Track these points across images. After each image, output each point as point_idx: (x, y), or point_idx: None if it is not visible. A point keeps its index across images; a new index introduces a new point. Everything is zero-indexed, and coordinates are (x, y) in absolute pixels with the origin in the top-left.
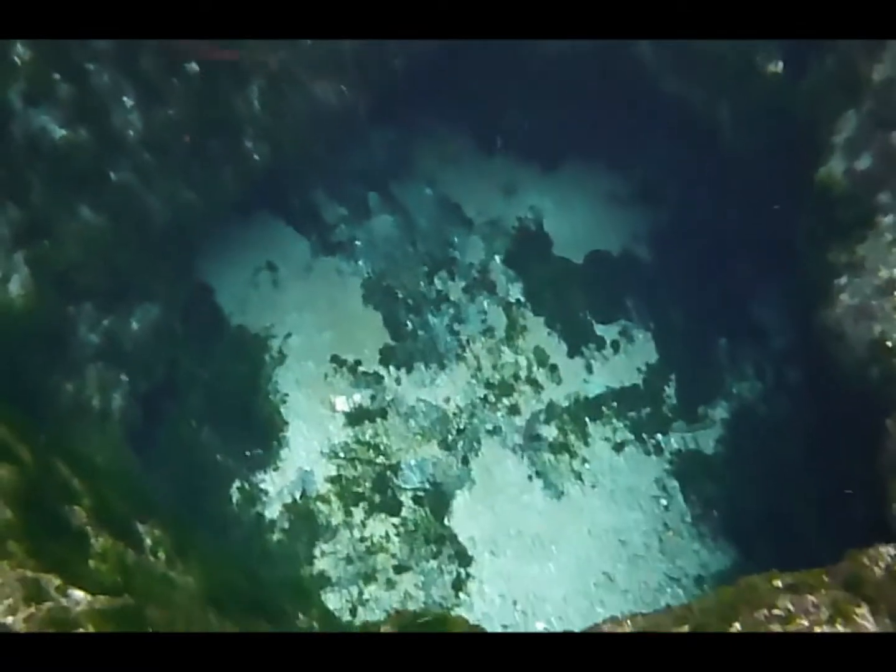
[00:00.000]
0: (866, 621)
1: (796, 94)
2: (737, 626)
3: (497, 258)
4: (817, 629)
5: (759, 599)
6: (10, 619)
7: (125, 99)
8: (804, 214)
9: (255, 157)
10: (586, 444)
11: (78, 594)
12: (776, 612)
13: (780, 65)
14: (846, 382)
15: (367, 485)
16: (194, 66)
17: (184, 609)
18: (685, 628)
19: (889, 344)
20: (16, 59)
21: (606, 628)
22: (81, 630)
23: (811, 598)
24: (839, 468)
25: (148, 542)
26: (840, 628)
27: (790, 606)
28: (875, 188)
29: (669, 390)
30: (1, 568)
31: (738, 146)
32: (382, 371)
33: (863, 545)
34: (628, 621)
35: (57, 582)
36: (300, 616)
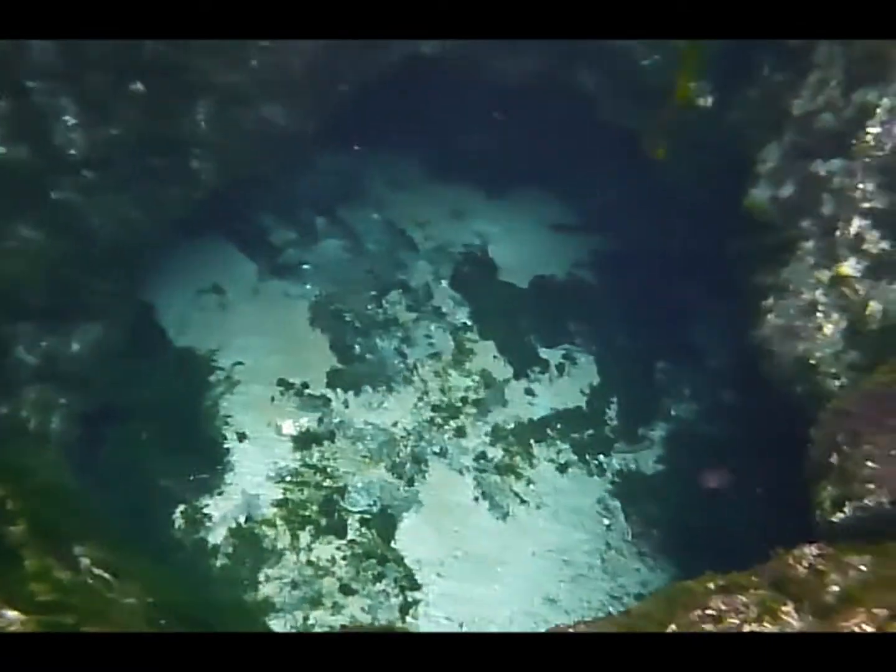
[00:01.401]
0: (791, 618)
1: (724, 126)
2: (672, 627)
3: (444, 282)
4: (746, 627)
5: (693, 601)
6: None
7: (67, 118)
8: (734, 239)
9: (202, 176)
10: (531, 465)
11: (11, 614)
12: (709, 612)
13: (710, 99)
14: (775, 398)
15: (314, 508)
16: (139, 86)
17: (124, 627)
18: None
19: (812, 362)
20: None
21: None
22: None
23: (741, 597)
24: (770, 480)
25: (86, 562)
26: (768, 626)
27: (722, 606)
28: (797, 215)
29: (611, 412)
30: None
31: (674, 175)
32: (330, 394)
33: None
34: (570, 629)
35: None
36: None
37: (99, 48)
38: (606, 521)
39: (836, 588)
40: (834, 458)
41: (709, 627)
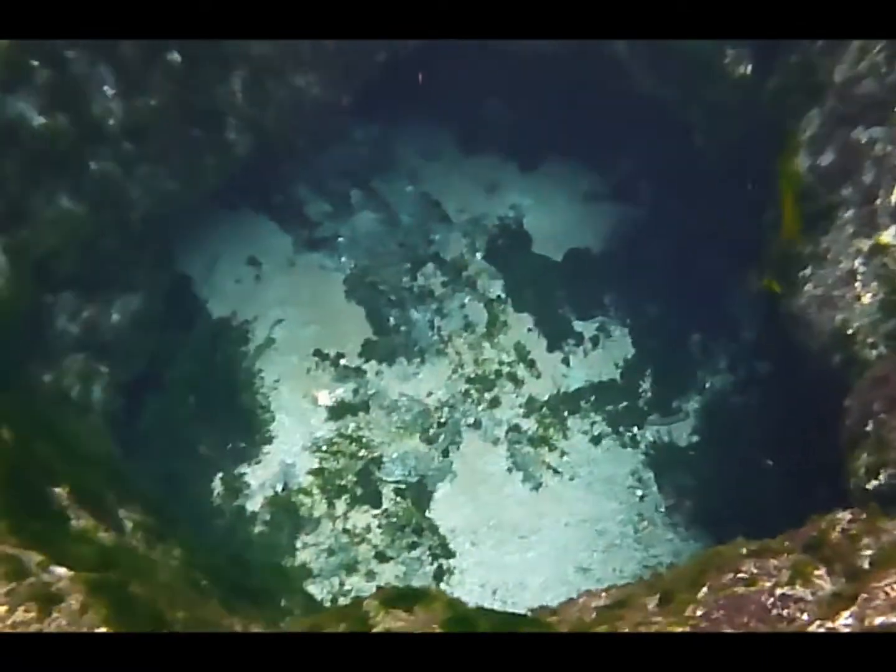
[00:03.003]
0: (823, 581)
1: (762, 94)
2: (704, 589)
3: (478, 255)
4: (778, 590)
5: (725, 564)
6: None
7: (105, 87)
8: (771, 208)
9: (238, 148)
10: (565, 436)
11: (60, 570)
12: (741, 574)
13: (749, 67)
14: (811, 368)
15: (350, 477)
16: (176, 56)
17: (167, 585)
18: (656, 596)
19: (850, 331)
20: None
21: (582, 601)
22: (64, 605)
23: (773, 561)
24: (806, 450)
25: (129, 525)
26: (799, 588)
27: (754, 570)
28: (838, 183)
29: (645, 384)
30: None
31: (710, 143)
32: (365, 365)
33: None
34: (603, 593)
35: (38, 558)
36: (283, 602)
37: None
38: (640, 492)
39: (869, 552)
40: (870, 427)
41: (740, 590)
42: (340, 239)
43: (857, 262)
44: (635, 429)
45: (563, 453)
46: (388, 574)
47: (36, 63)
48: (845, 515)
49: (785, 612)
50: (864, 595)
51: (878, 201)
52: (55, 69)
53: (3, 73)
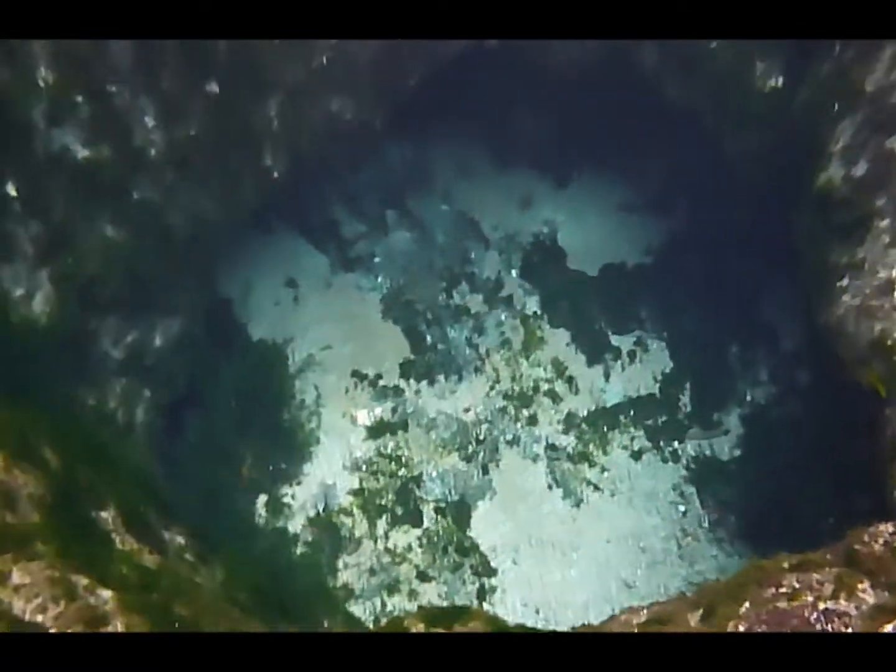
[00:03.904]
0: (867, 595)
1: (794, 103)
2: (746, 605)
3: (513, 272)
4: (821, 605)
5: (767, 578)
6: (40, 618)
7: (147, 118)
8: (804, 218)
9: (275, 172)
10: (605, 452)
11: (106, 593)
12: (783, 589)
13: (780, 80)
14: (851, 378)
15: (390, 497)
16: (214, 87)
17: (210, 607)
18: (699, 611)
19: (890, 342)
20: (39, 81)
21: (623, 618)
22: (110, 627)
23: (816, 575)
24: (847, 461)
25: (172, 546)
26: (843, 602)
27: (796, 584)
28: (873, 192)
29: (685, 398)
30: (30, 568)
31: (741, 154)
32: (403, 384)
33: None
34: (644, 610)
35: (85, 581)
36: (325, 622)
37: (173, 50)
38: (682, 508)
39: None
40: None
41: (783, 605)
42: (376, 259)
43: (894, 272)
44: (676, 443)
45: (603, 469)
46: (431, 593)
47: (80, 98)
48: (888, 527)
49: (829, 627)
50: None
51: None
52: (99, 103)
53: (49, 108)
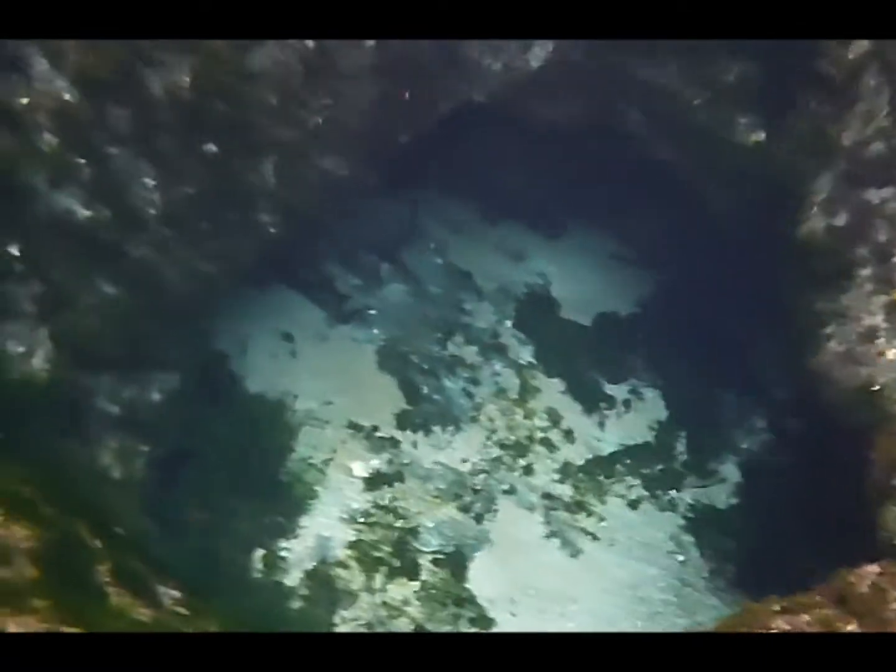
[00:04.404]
0: None
1: (775, 158)
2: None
3: (508, 322)
4: None
5: (756, 622)
6: (33, 632)
7: (145, 179)
8: (789, 269)
9: (270, 229)
10: (602, 501)
11: None
12: (772, 631)
13: (763, 135)
14: (840, 425)
15: (387, 549)
16: (211, 146)
17: None
18: None
19: (875, 387)
20: (42, 146)
21: None
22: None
23: (805, 616)
24: (840, 506)
25: (166, 601)
26: None
27: (785, 626)
28: (853, 242)
29: (680, 446)
30: (25, 622)
31: (726, 206)
32: (399, 435)
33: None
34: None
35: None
36: None
37: (171, 113)
38: (680, 557)
39: None
40: None
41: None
42: (371, 311)
43: (878, 319)
44: (673, 492)
45: (600, 518)
46: None
47: (82, 161)
48: (874, 569)
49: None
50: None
51: (894, 259)
52: (98, 165)
53: (51, 171)
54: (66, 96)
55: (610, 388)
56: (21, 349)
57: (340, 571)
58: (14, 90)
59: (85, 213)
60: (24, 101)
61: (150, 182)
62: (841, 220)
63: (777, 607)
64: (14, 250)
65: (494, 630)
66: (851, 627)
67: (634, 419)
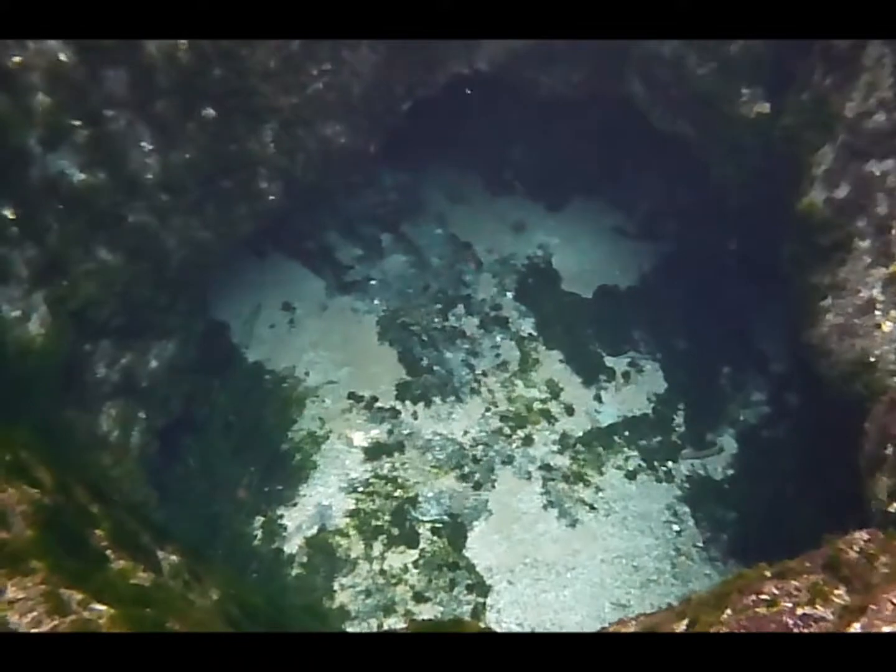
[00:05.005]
0: (842, 601)
1: (777, 130)
2: (728, 612)
3: (508, 294)
4: (799, 610)
5: (748, 587)
6: (34, 632)
7: (143, 143)
8: (788, 241)
9: (270, 196)
10: (599, 472)
11: (100, 607)
12: (763, 596)
13: (767, 106)
14: (835, 397)
15: (386, 518)
16: (210, 111)
17: (202, 623)
18: (684, 621)
19: (871, 359)
20: (35, 105)
21: (612, 629)
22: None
23: (794, 582)
24: (835, 476)
25: (166, 566)
26: (819, 608)
27: (775, 591)
28: (853, 214)
29: (678, 418)
30: (24, 583)
31: (727, 178)
32: (399, 406)
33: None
34: (633, 621)
35: (79, 596)
36: None
37: (169, 77)
38: (676, 527)
39: (885, 570)
40: (889, 450)
41: (762, 611)
42: (372, 282)
43: (875, 292)
44: (670, 463)
45: (597, 489)
46: (427, 614)
47: (77, 122)
48: (862, 535)
49: (806, 631)
50: (873, 606)
51: (893, 232)
52: (95, 128)
53: (45, 133)
54: (61, 56)
55: (610, 361)
56: (16, 313)
57: (340, 539)
58: (6, 49)
59: (80, 176)
60: (17, 59)
61: (147, 146)
62: (841, 192)
63: (768, 573)
64: (8, 213)
65: (492, 598)
66: (839, 592)
67: (633, 391)
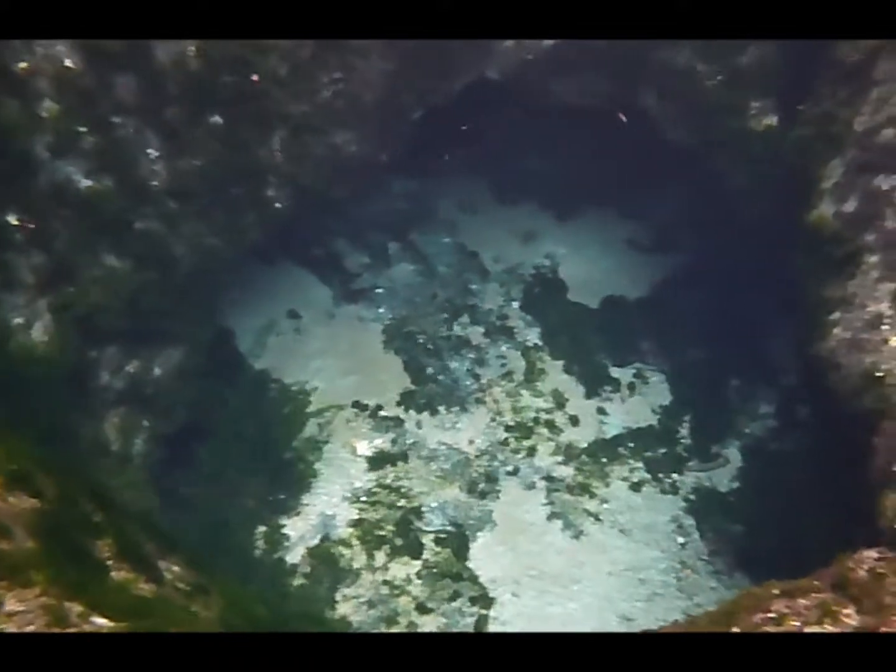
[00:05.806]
0: (852, 620)
1: (786, 143)
2: (735, 630)
3: (515, 304)
4: (807, 629)
5: (756, 605)
6: (34, 632)
7: (150, 150)
8: (799, 254)
9: (278, 204)
10: (605, 484)
11: (100, 620)
12: (771, 615)
13: (775, 119)
14: (844, 411)
15: (389, 528)
16: (218, 119)
17: None
18: None
19: (879, 374)
20: (42, 112)
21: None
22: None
23: (803, 601)
24: (843, 491)
25: (168, 577)
26: (828, 628)
27: (784, 609)
28: (862, 228)
29: (684, 430)
30: (23, 595)
31: (739, 191)
32: (404, 415)
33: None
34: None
35: (79, 609)
36: None
37: (177, 83)
38: (681, 540)
39: (895, 590)
40: None
41: (770, 629)
42: (379, 290)
43: (883, 306)
44: (675, 475)
45: (602, 501)
46: (429, 626)
47: (84, 129)
48: (871, 554)
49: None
50: (885, 629)
51: None
52: (102, 134)
53: (52, 139)
54: (69, 62)
55: (615, 371)
56: (20, 319)
57: (343, 549)
58: (14, 54)
59: (87, 182)
60: (23, 65)
61: (155, 153)
62: (850, 206)
63: (776, 591)
64: (13, 219)
65: (495, 610)
66: (849, 612)
67: (639, 402)
